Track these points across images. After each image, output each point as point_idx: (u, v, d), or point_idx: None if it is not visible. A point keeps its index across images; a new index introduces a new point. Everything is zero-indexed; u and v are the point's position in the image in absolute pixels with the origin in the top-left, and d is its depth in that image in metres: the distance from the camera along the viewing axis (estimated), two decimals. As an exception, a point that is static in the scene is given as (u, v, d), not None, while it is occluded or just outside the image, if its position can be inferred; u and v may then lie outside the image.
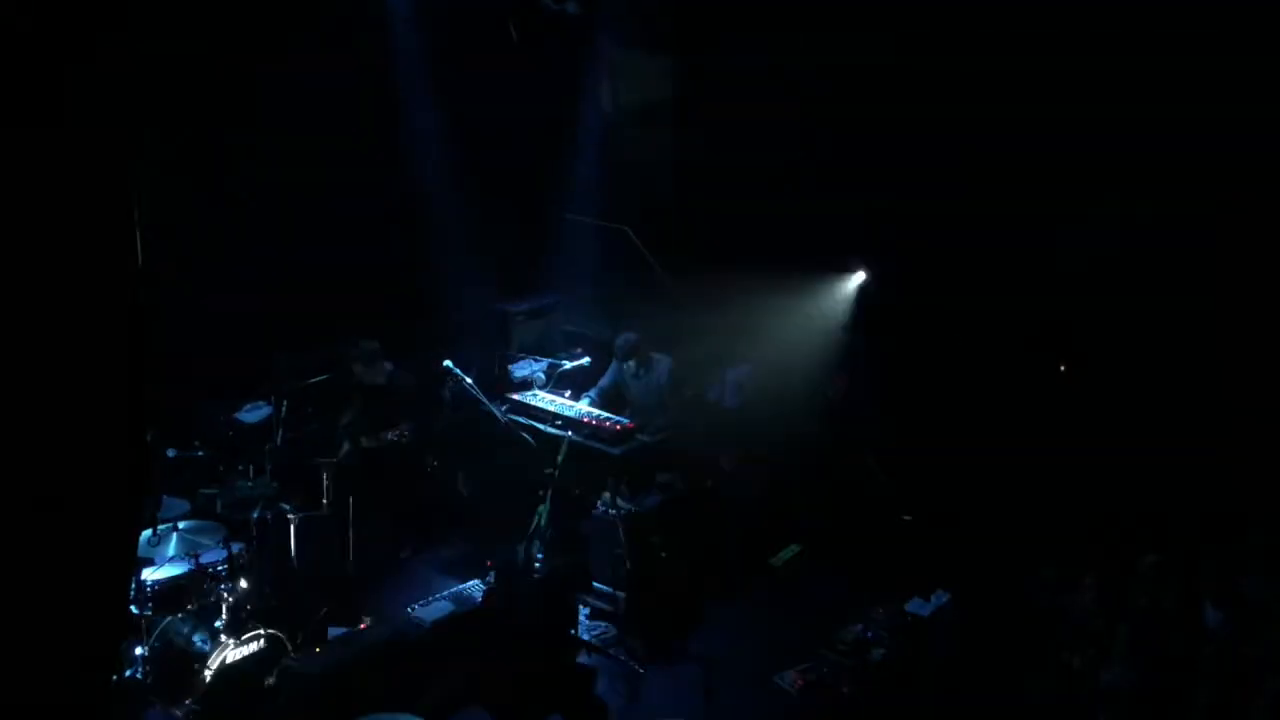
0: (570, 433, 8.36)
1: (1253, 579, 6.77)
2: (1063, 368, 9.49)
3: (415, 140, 10.23)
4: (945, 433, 9.13)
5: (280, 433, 8.04)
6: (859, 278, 10.38)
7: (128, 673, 6.46)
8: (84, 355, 2.96)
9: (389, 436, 8.09)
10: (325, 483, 7.91)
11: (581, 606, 8.01)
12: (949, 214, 9.32)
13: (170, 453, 7.79)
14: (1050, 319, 9.36)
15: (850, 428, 9.72)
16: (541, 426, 8.76)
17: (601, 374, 9.56)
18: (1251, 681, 6.27)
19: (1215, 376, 8.42)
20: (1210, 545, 7.19)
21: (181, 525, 6.96)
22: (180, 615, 6.69)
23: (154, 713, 6.45)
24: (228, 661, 6.51)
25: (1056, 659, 6.99)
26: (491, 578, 7.57)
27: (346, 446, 8.18)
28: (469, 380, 8.36)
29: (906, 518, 9.28)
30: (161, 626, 6.61)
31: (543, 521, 7.94)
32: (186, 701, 6.41)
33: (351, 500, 7.98)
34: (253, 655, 6.66)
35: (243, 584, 6.96)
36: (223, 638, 6.59)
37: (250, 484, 7.51)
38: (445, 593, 7.53)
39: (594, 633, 7.80)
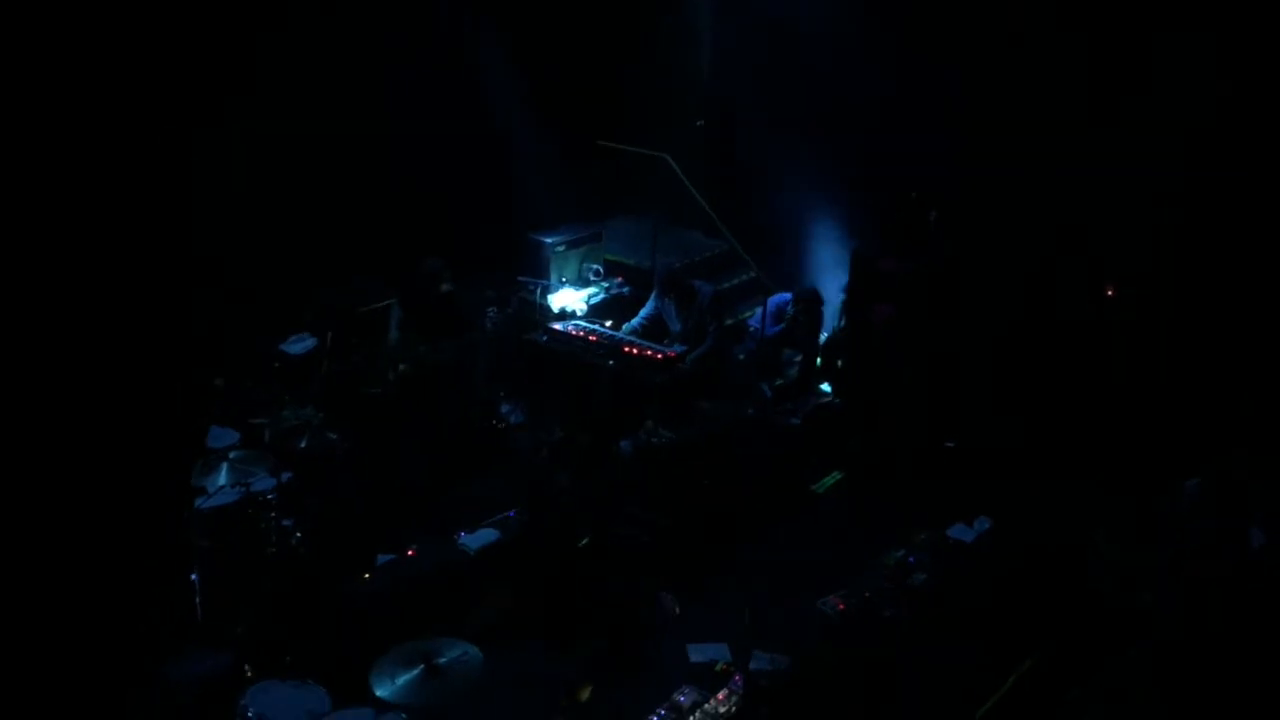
0: (611, 362, 8.38)
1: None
2: (1110, 291, 9.37)
3: (466, 71, 10.26)
4: (989, 360, 9.08)
5: (326, 363, 8.13)
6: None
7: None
8: (141, 301, 3.02)
9: (447, 354, 8.13)
10: (370, 411, 8.00)
11: (624, 534, 8.08)
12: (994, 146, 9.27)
13: (218, 383, 7.90)
14: (1096, 242, 9.25)
15: (893, 357, 9.67)
16: (582, 355, 8.79)
17: (642, 303, 9.56)
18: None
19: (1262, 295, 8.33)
20: (1257, 468, 7.13)
21: (231, 455, 7.07)
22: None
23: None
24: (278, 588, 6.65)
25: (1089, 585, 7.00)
26: (526, 506, 7.66)
27: (400, 368, 8.22)
28: (509, 309, 8.40)
29: (949, 444, 9.26)
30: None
31: (585, 449, 8.00)
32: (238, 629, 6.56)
33: (395, 429, 8.07)
34: (303, 580, 6.79)
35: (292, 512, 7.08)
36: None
37: (296, 413, 7.60)
38: (490, 520, 7.63)
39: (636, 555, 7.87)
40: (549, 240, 10.30)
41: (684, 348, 8.92)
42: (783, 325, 10.00)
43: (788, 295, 10.17)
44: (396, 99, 9.60)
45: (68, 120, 6.56)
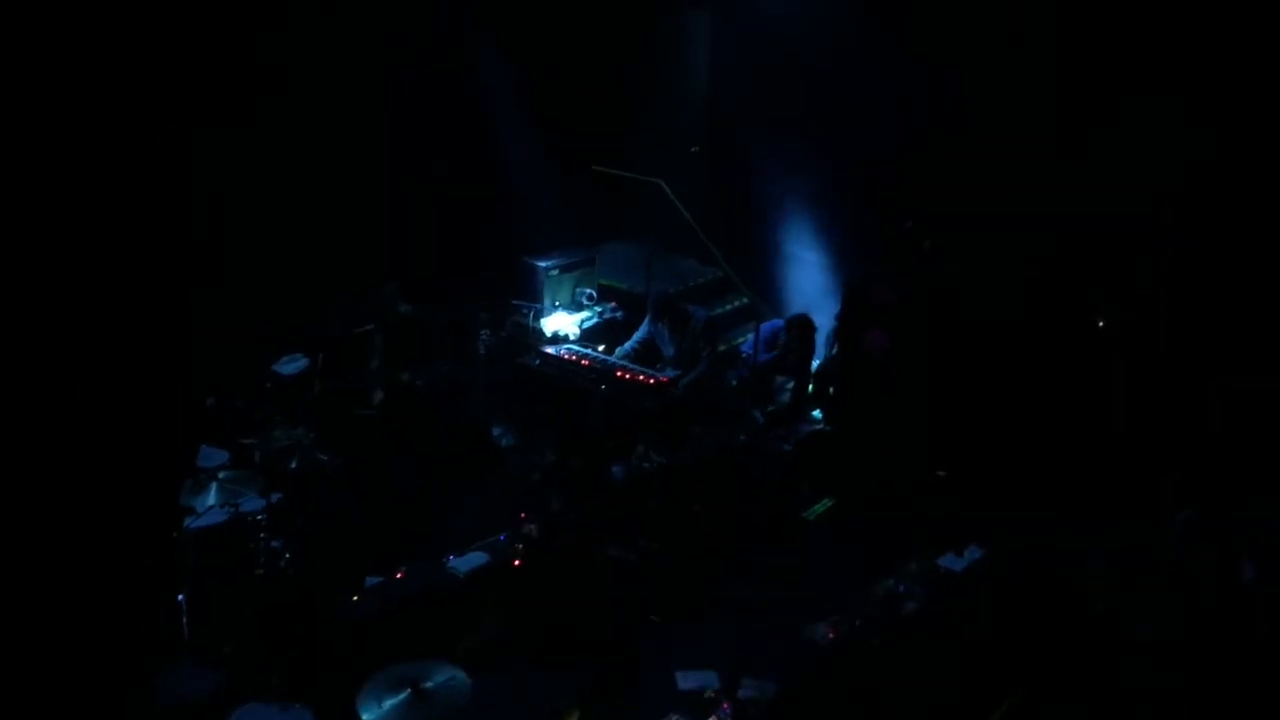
0: (604, 386, 8.38)
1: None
2: (1100, 324, 9.41)
3: (464, 95, 10.30)
4: (982, 390, 9.09)
5: (318, 384, 8.12)
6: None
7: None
8: (141, 319, 3.03)
9: (421, 381, 8.10)
10: (361, 432, 7.98)
11: (613, 558, 8.06)
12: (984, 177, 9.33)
13: (209, 402, 7.88)
14: (1088, 274, 9.30)
15: (888, 385, 9.68)
16: (574, 380, 8.78)
17: (635, 328, 9.57)
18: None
19: (1250, 331, 8.37)
20: (1248, 501, 7.14)
21: (221, 475, 7.05)
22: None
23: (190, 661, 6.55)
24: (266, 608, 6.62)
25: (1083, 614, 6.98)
26: (521, 529, 7.63)
27: (380, 394, 8.21)
28: (502, 332, 8.40)
29: (940, 473, 9.26)
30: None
31: (577, 473, 7.99)
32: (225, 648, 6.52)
33: (384, 451, 8.05)
34: (291, 602, 6.76)
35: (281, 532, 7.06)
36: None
37: (288, 434, 7.58)
38: (480, 543, 7.60)
39: (626, 579, 7.85)
40: (543, 264, 10.31)
41: (676, 373, 8.92)
42: (775, 352, 10.02)
43: (780, 322, 10.19)
44: (395, 119, 9.66)
45: (62, 138, 6.57)
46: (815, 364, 10.24)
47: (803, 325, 9.92)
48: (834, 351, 10.07)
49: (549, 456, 8.54)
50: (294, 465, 7.44)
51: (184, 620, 6.56)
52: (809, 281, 11.21)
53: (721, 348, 10.07)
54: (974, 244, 9.65)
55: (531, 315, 9.79)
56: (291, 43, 8.73)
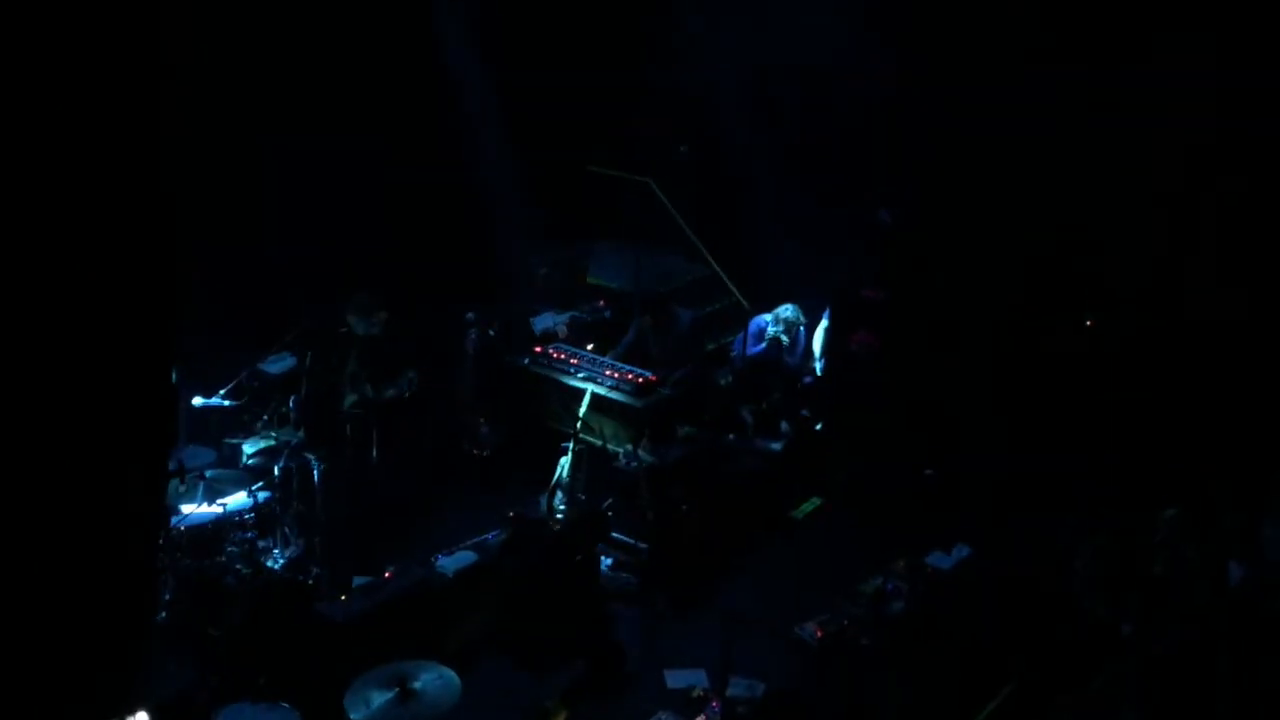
0: (592, 385, 8.38)
1: (1273, 535, 6.75)
2: (1089, 322, 9.44)
3: (449, 96, 10.28)
4: (969, 388, 9.11)
5: (305, 384, 8.09)
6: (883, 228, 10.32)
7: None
8: (116, 311, 3.00)
9: (388, 392, 8.05)
10: (346, 433, 7.96)
11: (603, 558, 8.06)
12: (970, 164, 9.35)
13: (196, 402, 7.86)
14: (1077, 274, 9.33)
15: (876, 383, 9.69)
16: (564, 379, 8.78)
17: (624, 327, 9.56)
18: (1273, 639, 6.26)
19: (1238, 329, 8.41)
20: (1235, 501, 7.16)
21: (208, 474, 7.03)
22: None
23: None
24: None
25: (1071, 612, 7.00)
26: (509, 529, 7.62)
27: (352, 398, 8.16)
28: (491, 332, 8.38)
29: (928, 472, 9.28)
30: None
31: (565, 473, 7.98)
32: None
33: (372, 451, 8.03)
34: (278, 601, 6.74)
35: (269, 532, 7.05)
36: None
37: (276, 433, 7.57)
38: (468, 543, 7.59)
39: (615, 584, 7.86)
40: (533, 264, 10.32)
41: (664, 372, 8.92)
42: (764, 345, 10.02)
43: (768, 316, 10.19)
44: (382, 119, 9.62)
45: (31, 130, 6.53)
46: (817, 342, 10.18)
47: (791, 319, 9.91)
48: (821, 360, 10.03)
49: (539, 457, 8.52)
50: (281, 465, 7.42)
51: (170, 620, 6.55)
52: (797, 279, 11.21)
53: (710, 346, 10.07)
54: (961, 240, 9.66)
55: (521, 315, 9.78)
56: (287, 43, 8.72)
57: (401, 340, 8.41)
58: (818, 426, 9.66)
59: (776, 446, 9.36)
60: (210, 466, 7.25)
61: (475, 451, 9.16)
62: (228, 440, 7.84)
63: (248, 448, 7.63)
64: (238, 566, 6.77)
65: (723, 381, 9.92)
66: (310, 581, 7.04)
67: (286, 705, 5.60)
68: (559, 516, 7.96)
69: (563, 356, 9.01)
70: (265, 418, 7.83)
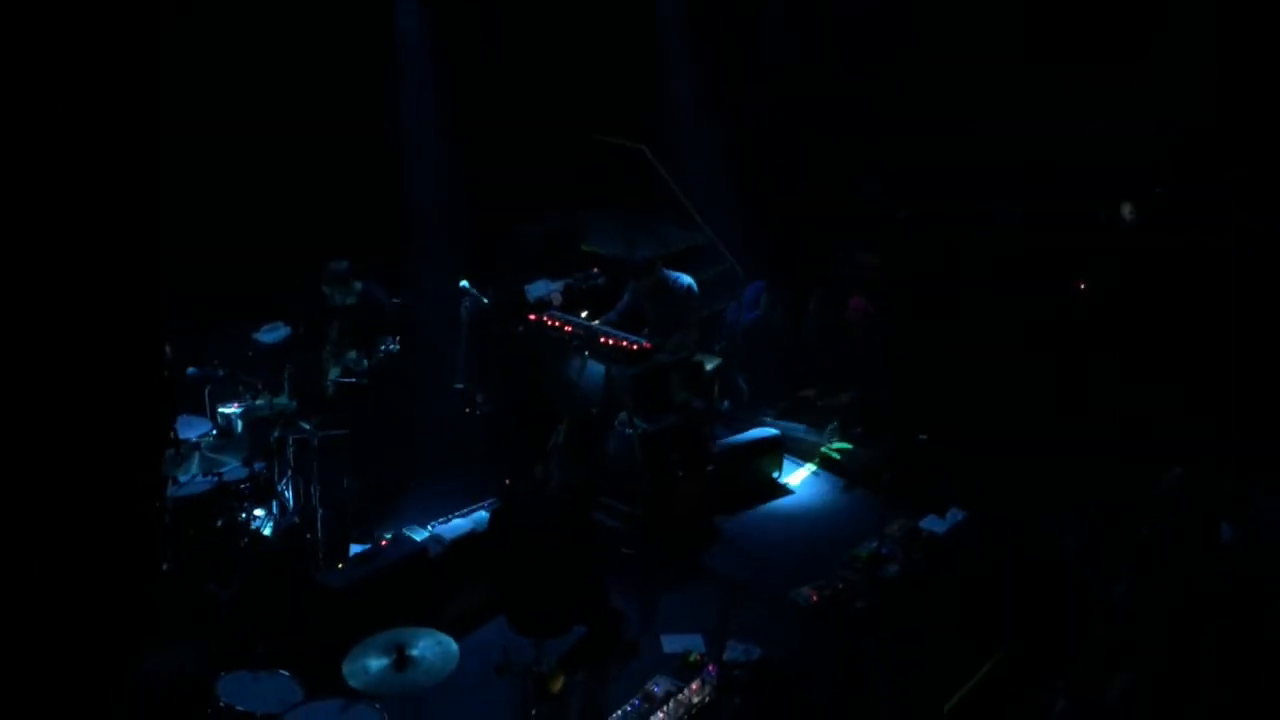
0: (587, 353, 8.37)
1: (1267, 499, 6.78)
2: (1082, 285, 9.43)
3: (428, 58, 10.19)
4: (963, 354, 9.12)
5: (299, 351, 8.09)
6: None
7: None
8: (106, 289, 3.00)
9: (368, 361, 8.00)
10: (338, 402, 7.96)
11: (599, 524, 8.08)
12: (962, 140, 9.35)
13: (190, 371, 7.85)
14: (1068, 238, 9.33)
15: (868, 350, 9.70)
16: (558, 346, 8.77)
17: (618, 293, 9.53)
18: (1264, 601, 6.29)
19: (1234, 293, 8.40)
20: (1228, 463, 7.18)
21: (203, 444, 7.04)
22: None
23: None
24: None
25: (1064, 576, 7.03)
26: (504, 497, 7.63)
27: (337, 369, 8.14)
28: (485, 300, 8.35)
29: (923, 437, 9.29)
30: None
31: (561, 440, 7.98)
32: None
33: (365, 420, 8.02)
34: (275, 570, 6.77)
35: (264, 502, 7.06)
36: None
37: (270, 404, 7.56)
38: (464, 510, 7.61)
39: (612, 549, 7.88)
40: (526, 230, 10.27)
41: (660, 339, 8.90)
42: (758, 312, 10.03)
43: (763, 283, 10.20)
44: (371, 85, 9.55)
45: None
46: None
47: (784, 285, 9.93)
48: (816, 322, 10.05)
49: (535, 423, 8.52)
50: (276, 434, 7.42)
51: (169, 591, 6.57)
52: (790, 245, 11.19)
53: (705, 313, 10.05)
54: (955, 205, 9.65)
55: (516, 282, 9.74)
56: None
57: (380, 307, 8.34)
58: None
59: (770, 414, 9.40)
60: (206, 437, 7.25)
61: (470, 411, 9.12)
62: (222, 409, 7.84)
63: (242, 417, 7.63)
64: (234, 536, 6.79)
65: (718, 348, 9.93)
66: (307, 549, 7.07)
67: (285, 673, 5.62)
68: (554, 483, 7.95)
69: (557, 324, 8.99)
70: (259, 386, 7.82)
